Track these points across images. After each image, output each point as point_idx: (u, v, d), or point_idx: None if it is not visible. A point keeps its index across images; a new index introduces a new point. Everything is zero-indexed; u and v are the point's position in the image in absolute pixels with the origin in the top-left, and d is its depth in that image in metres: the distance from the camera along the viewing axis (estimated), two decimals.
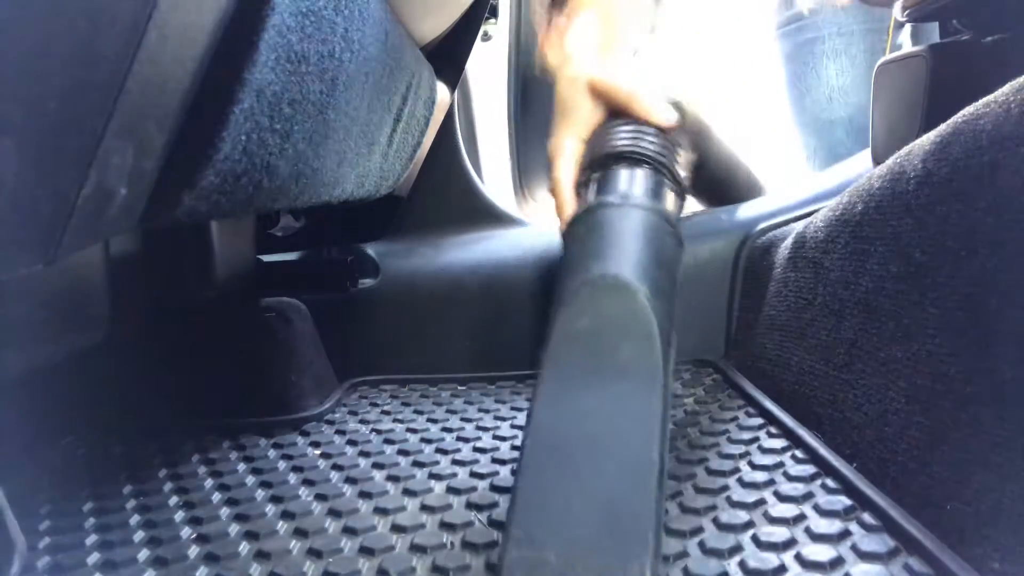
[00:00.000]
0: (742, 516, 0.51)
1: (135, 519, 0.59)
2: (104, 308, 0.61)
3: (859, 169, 0.90)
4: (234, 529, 0.56)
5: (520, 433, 0.73)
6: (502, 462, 0.65)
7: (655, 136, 0.53)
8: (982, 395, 0.45)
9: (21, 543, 0.46)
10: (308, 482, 0.64)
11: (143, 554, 0.53)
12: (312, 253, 1.03)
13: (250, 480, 0.65)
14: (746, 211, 0.97)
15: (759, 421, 0.70)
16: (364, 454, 0.70)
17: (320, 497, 0.60)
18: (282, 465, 0.68)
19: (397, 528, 0.54)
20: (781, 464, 0.60)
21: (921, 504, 0.47)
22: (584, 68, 0.57)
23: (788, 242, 0.79)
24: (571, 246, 0.47)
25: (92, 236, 0.40)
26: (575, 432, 0.38)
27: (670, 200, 0.51)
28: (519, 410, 0.80)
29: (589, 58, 0.58)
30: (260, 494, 0.62)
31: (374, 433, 0.76)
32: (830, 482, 0.56)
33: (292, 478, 0.65)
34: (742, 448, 0.64)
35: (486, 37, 1.66)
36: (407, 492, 0.60)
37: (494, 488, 0.60)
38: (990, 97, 0.48)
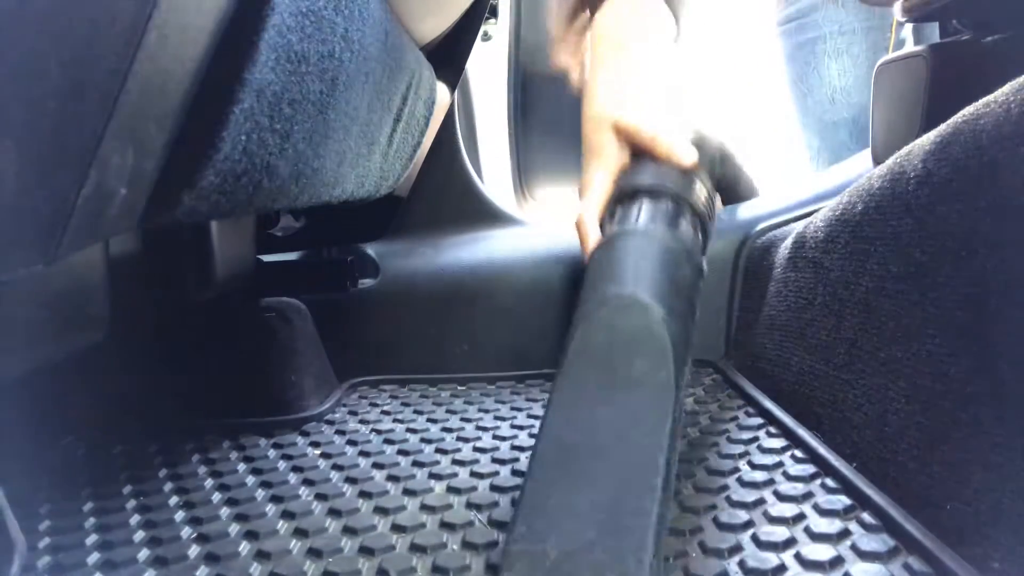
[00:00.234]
0: (742, 516, 0.51)
1: (135, 519, 0.59)
2: (104, 308, 0.61)
3: (859, 169, 0.90)
4: (234, 529, 0.56)
5: (520, 433, 0.73)
6: (502, 462, 0.65)
7: (675, 171, 0.56)
8: (982, 395, 0.45)
9: (21, 543, 0.46)
10: (308, 482, 0.64)
11: (143, 554, 0.53)
12: (312, 253, 1.03)
13: (250, 480, 0.65)
14: (746, 211, 0.97)
15: (759, 421, 0.70)
16: (364, 454, 0.70)
17: (320, 497, 0.60)
18: (282, 465, 0.68)
19: (397, 528, 0.54)
20: (781, 464, 0.60)
21: (921, 504, 0.47)
22: (608, 110, 0.58)
23: (788, 242, 0.79)
24: (591, 272, 0.50)
25: (92, 236, 0.40)
26: (584, 438, 0.40)
27: (689, 230, 0.53)
28: (519, 410, 0.80)
29: (613, 99, 0.59)
30: (260, 494, 0.62)
31: (374, 433, 0.76)
32: (830, 482, 0.56)
33: (292, 478, 0.65)
34: (742, 448, 0.64)
35: (486, 37, 1.66)
36: (407, 492, 0.60)
37: (494, 488, 0.60)
38: (990, 97, 0.48)
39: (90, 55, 0.31)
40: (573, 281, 0.93)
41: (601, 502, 0.37)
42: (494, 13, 1.65)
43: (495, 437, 0.72)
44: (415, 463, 0.66)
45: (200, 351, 0.83)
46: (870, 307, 0.59)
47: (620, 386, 0.41)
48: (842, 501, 0.52)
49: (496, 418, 0.78)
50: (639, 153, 0.58)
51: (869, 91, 0.87)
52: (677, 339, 0.43)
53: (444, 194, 1.06)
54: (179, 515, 0.59)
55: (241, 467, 0.68)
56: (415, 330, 0.97)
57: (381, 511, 0.57)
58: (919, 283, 0.52)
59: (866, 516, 0.50)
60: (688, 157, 0.56)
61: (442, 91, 0.95)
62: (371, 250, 1.01)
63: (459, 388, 0.91)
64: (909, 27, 1.16)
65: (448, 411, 0.82)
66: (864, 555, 0.46)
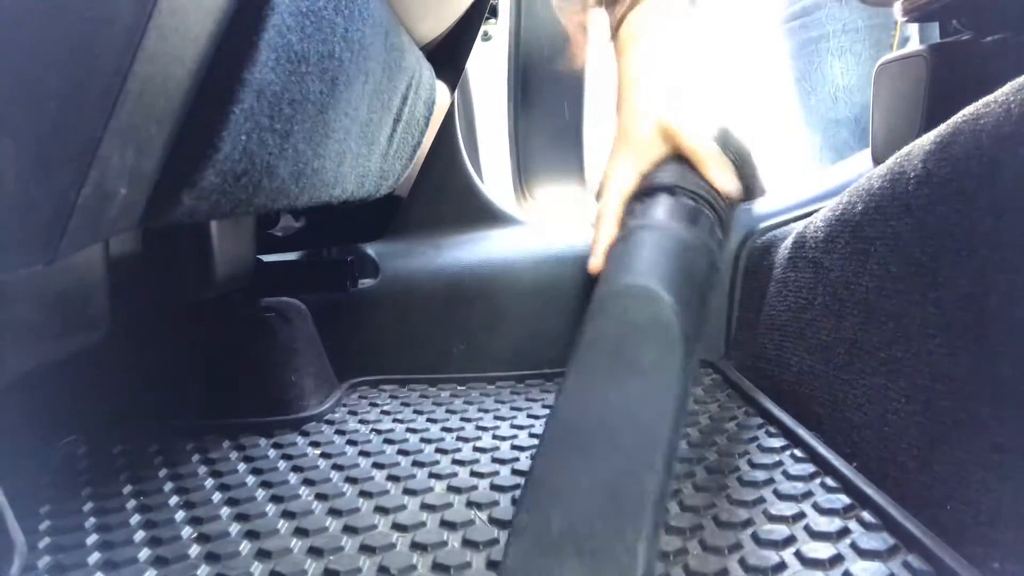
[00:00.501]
0: (742, 514, 0.51)
1: (135, 519, 0.59)
2: (104, 308, 0.60)
3: (859, 169, 0.90)
4: (235, 528, 0.56)
5: (520, 433, 0.73)
6: (502, 461, 0.65)
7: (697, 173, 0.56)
8: (982, 395, 0.45)
9: (21, 543, 0.46)
10: (308, 482, 0.64)
11: (143, 554, 0.53)
12: (312, 253, 1.03)
13: (250, 480, 0.65)
14: (746, 211, 0.97)
15: (759, 421, 0.70)
16: (364, 454, 0.70)
17: (320, 496, 0.60)
18: (282, 465, 0.69)
19: (398, 527, 0.54)
20: (780, 463, 0.60)
21: (921, 503, 0.47)
22: (659, 108, 0.57)
23: (788, 242, 0.79)
24: (609, 264, 0.51)
25: (92, 236, 0.40)
26: (593, 420, 0.41)
27: (707, 227, 0.54)
28: (519, 410, 0.80)
29: (665, 98, 0.58)
30: (260, 494, 0.62)
31: (374, 433, 0.76)
32: (829, 481, 0.56)
33: (292, 478, 0.65)
34: (742, 447, 0.64)
35: (486, 37, 1.66)
36: (407, 491, 0.60)
37: (494, 487, 0.60)
38: (990, 97, 0.48)
39: (90, 55, 0.31)
40: (573, 281, 0.94)
41: (605, 478, 0.38)
42: (494, 13, 1.65)
43: (495, 437, 0.72)
44: (415, 463, 0.66)
45: (200, 351, 0.83)
46: (870, 307, 0.59)
47: (629, 373, 0.42)
48: (842, 500, 0.52)
49: (496, 418, 0.78)
50: (674, 155, 0.57)
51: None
52: (687, 331, 0.44)
53: (444, 194, 1.06)
54: (179, 515, 0.59)
55: (241, 467, 0.68)
56: (415, 330, 0.97)
57: (381, 510, 0.57)
58: (919, 283, 0.52)
59: (866, 515, 0.50)
60: (731, 188, 0.56)
61: (442, 91, 0.95)
62: (371, 250, 1.01)
63: (459, 388, 0.91)
64: (913, 25, 1.15)
65: (448, 411, 0.82)
66: (864, 553, 0.46)
